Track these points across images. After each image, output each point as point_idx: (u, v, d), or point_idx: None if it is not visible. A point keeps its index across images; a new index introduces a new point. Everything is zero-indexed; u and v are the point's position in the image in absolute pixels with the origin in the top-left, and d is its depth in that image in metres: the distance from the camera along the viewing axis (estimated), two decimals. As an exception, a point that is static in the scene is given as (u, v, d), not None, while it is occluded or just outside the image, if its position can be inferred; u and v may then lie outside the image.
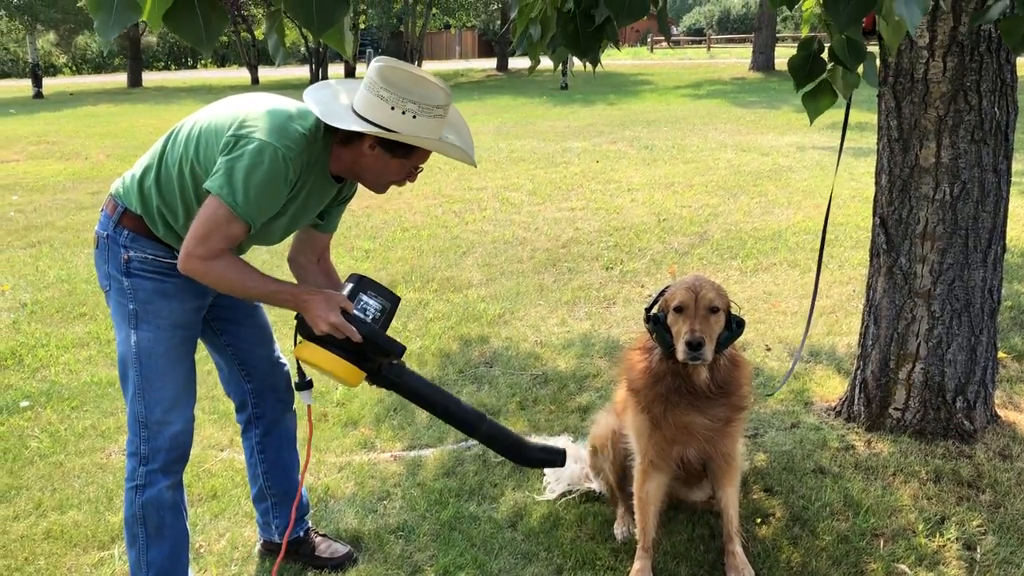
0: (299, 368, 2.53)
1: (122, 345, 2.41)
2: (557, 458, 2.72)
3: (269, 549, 2.93)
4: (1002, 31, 2.13)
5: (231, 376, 2.72)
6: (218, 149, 2.23)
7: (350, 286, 2.46)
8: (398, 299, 2.48)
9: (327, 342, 2.35)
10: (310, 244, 2.65)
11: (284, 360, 2.79)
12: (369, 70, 2.25)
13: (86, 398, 4.29)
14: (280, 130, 2.21)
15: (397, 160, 2.33)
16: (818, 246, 6.48)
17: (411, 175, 2.41)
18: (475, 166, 2.48)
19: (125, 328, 2.39)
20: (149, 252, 2.37)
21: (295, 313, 2.41)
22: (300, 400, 2.64)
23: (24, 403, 4.24)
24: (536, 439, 3.55)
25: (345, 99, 2.33)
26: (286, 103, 2.34)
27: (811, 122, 2.70)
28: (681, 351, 2.50)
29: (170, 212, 2.35)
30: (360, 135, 2.27)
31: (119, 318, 2.41)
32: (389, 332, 2.47)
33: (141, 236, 2.37)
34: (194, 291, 2.42)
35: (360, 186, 2.56)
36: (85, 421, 4.02)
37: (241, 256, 2.39)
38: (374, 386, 2.54)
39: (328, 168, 2.38)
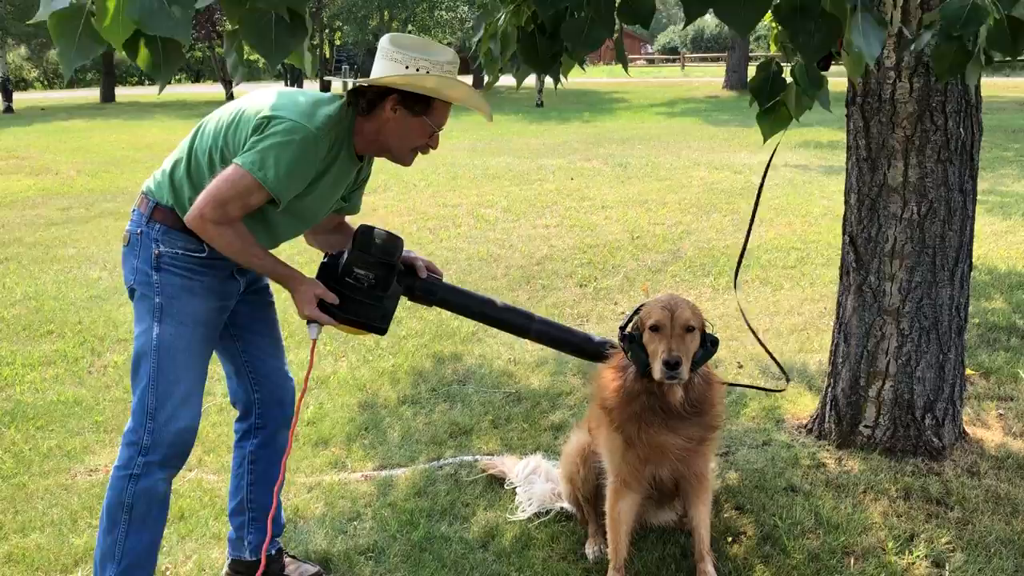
0: None
1: (141, 337, 2.46)
2: (606, 351, 2.88)
3: (236, 570, 2.89)
4: (932, 60, 2.19)
5: (240, 384, 2.78)
6: (248, 132, 2.36)
7: (344, 258, 2.57)
8: (392, 266, 2.57)
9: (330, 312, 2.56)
10: (329, 218, 2.79)
11: (291, 375, 2.86)
12: (380, 43, 2.44)
13: (52, 417, 4.22)
14: (309, 113, 2.37)
15: (418, 119, 2.46)
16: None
17: (432, 138, 2.54)
18: (491, 119, 2.63)
19: (148, 320, 2.45)
20: (180, 247, 2.45)
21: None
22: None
23: (-13, 423, 4.16)
24: (509, 457, 3.54)
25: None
26: (309, 92, 2.49)
27: (764, 141, 2.74)
28: (658, 370, 2.50)
29: None
30: (382, 101, 2.43)
31: (143, 311, 2.47)
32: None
33: (173, 230, 2.45)
34: (219, 292, 2.53)
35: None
36: (50, 441, 3.95)
37: (272, 250, 2.54)
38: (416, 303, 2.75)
39: (353, 147, 2.52)
